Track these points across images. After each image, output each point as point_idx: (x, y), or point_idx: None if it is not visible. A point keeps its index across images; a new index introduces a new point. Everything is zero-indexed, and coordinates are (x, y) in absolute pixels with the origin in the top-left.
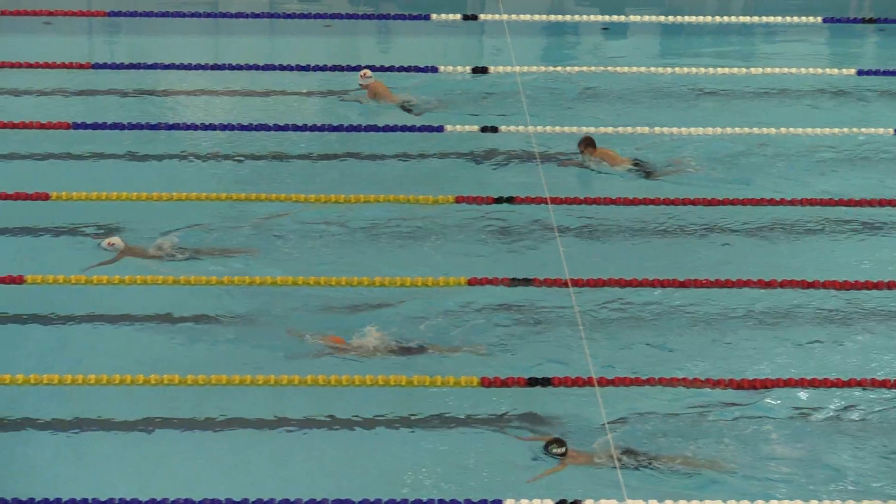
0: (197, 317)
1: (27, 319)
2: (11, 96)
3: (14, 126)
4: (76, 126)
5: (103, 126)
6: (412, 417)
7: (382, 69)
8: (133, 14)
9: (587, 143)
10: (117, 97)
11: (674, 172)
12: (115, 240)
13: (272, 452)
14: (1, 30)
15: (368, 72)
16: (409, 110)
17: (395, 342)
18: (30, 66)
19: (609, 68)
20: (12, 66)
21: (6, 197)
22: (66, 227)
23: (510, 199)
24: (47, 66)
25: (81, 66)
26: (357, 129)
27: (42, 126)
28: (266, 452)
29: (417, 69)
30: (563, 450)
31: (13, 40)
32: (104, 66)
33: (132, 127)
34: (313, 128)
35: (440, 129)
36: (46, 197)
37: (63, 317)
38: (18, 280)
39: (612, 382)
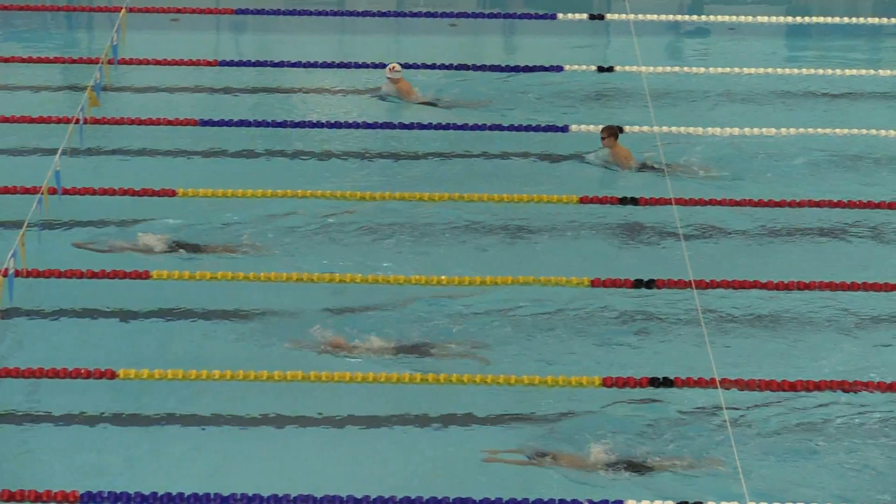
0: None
1: (152, 314)
2: (139, 93)
3: (141, 123)
4: (203, 123)
5: (229, 123)
6: (533, 415)
7: (507, 68)
8: (260, 12)
9: (612, 132)
10: (244, 95)
11: (684, 172)
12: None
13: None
14: (130, 26)
15: (397, 66)
16: (433, 105)
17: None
18: (157, 62)
19: (735, 69)
20: (140, 62)
21: (133, 193)
22: (191, 223)
23: (634, 200)
24: (174, 63)
25: (208, 64)
26: (482, 128)
27: (169, 123)
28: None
29: (542, 68)
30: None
31: (141, 37)
32: (231, 63)
33: (258, 124)
34: (437, 126)
35: (565, 129)
36: (173, 193)
37: (186, 312)
38: (144, 275)
39: (735, 384)
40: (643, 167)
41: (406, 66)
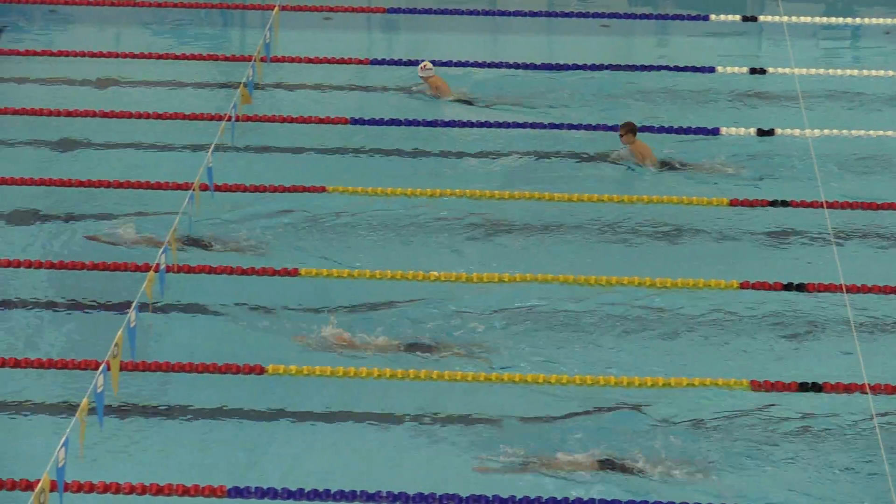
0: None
1: (302, 311)
2: (291, 90)
3: (293, 120)
4: (354, 121)
5: (380, 122)
6: (674, 417)
7: (657, 68)
8: (412, 11)
9: (629, 128)
10: (394, 93)
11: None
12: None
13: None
14: (282, 25)
15: (429, 64)
16: (469, 103)
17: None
18: (309, 61)
19: (891, 72)
20: (292, 60)
21: (284, 189)
22: (341, 220)
23: (785, 203)
24: (326, 61)
25: (360, 62)
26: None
27: (321, 121)
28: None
29: (694, 69)
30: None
31: (294, 35)
32: (382, 62)
33: (409, 123)
34: (587, 126)
35: (716, 131)
36: (323, 189)
37: (335, 308)
38: (293, 273)
39: (884, 390)
40: (664, 165)
41: (556, 66)
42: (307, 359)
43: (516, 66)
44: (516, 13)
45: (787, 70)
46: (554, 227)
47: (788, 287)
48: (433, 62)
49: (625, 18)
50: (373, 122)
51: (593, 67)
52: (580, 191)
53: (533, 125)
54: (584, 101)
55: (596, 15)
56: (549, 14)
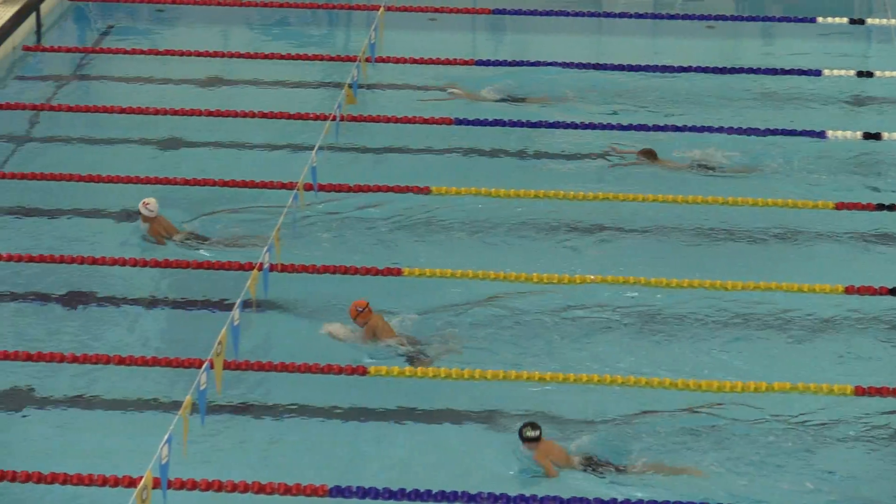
0: None
1: (406, 310)
2: (396, 90)
3: (397, 121)
4: (458, 122)
5: (484, 122)
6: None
7: (763, 72)
8: (517, 12)
9: (647, 154)
10: (499, 94)
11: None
12: (151, 201)
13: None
14: (387, 25)
15: (454, 89)
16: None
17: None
18: (414, 61)
19: None
20: (397, 61)
21: (388, 189)
22: (444, 220)
23: (892, 207)
24: (431, 62)
25: (465, 63)
26: (737, 131)
27: (425, 121)
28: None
29: (801, 72)
30: (537, 433)
31: (399, 36)
32: (487, 62)
33: (513, 124)
34: (692, 128)
35: (822, 134)
36: (427, 190)
37: (440, 307)
38: (396, 272)
39: None
40: (699, 167)
41: (661, 68)
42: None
43: (621, 67)
44: (621, 14)
45: (894, 73)
46: (661, 228)
47: (894, 291)
48: (535, 63)
49: (731, 20)
50: (477, 122)
51: (699, 69)
52: (685, 193)
53: (637, 127)
54: (691, 103)
55: (701, 17)
56: (654, 16)
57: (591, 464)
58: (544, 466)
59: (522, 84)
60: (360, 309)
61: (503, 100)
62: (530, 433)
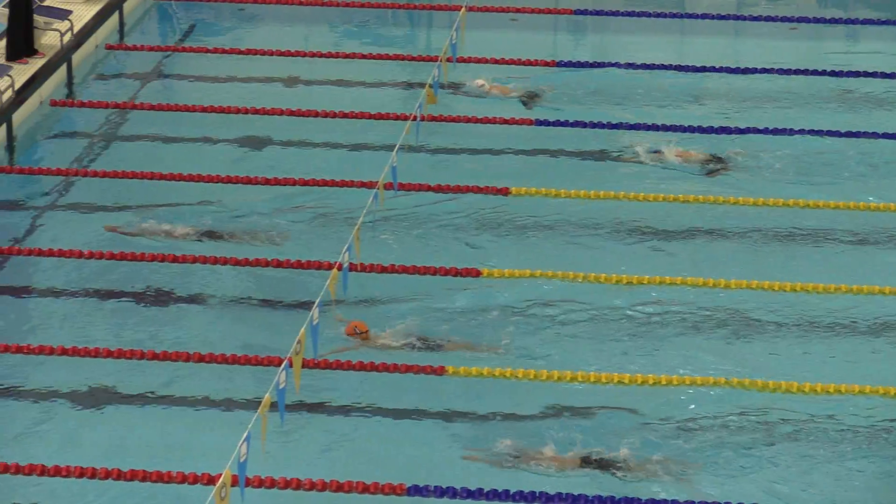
0: None
1: (484, 311)
2: (480, 93)
3: (477, 121)
4: (539, 123)
5: (565, 124)
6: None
7: (846, 75)
8: (598, 13)
9: None
10: (580, 95)
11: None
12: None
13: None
14: (469, 25)
15: (481, 82)
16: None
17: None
18: (495, 61)
19: None
20: (478, 61)
21: (468, 190)
22: (524, 222)
23: None
24: (512, 62)
25: (546, 64)
26: (819, 133)
27: (505, 122)
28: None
29: (884, 75)
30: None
31: (480, 36)
32: (568, 63)
33: (594, 126)
34: (779, 131)
35: None
36: (507, 192)
37: (504, 307)
38: (475, 273)
39: None
40: (709, 162)
41: (744, 70)
42: (487, 361)
43: (703, 69)
44: (704, 16)
45: None
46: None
47: None
48: (617, 64)
49: (814, 22)
50: (557, 123)
51: (780, 72)
52: (774, 196)
53: (719, 130)
54: (774, 104)
55: (784, 18)
56: (737, 17)
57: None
58: None
59: (604, 85)
60: (360, 331)
61: (526, 96)
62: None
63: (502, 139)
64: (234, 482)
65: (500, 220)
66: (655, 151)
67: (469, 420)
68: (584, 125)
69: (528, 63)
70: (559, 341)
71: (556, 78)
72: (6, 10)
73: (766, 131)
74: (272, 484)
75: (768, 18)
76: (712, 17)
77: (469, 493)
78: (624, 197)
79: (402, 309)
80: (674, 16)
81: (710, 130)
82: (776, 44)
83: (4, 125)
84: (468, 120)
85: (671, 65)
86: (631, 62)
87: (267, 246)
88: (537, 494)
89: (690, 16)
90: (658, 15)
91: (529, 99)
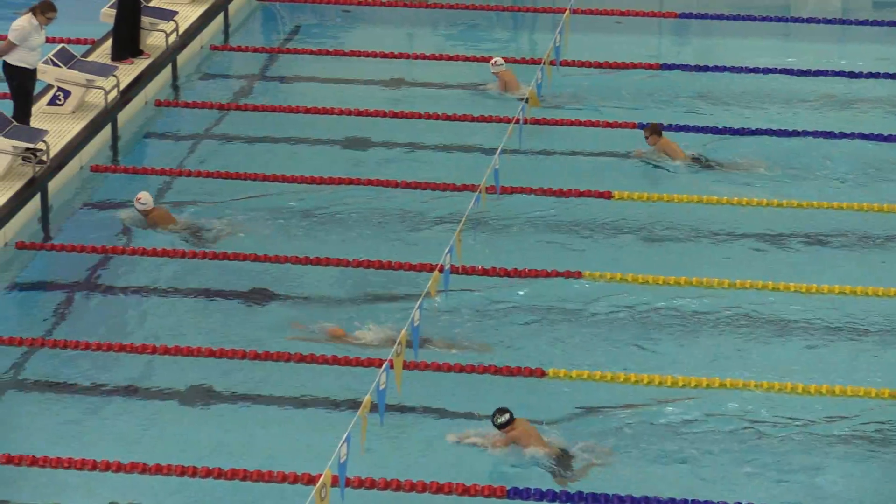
0: None
1: (583, 313)
2: (580, 94)
3: (580, 124)
4: (641, 126)
5: (668, 128)
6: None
7: None
8: (703, 16)
9: (653, 130)
10: (684, 99)
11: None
12: (143, 195)
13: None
14: (573, 28)
15: (500, 59)
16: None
17: None
18: (599, 65)
19: None
20: (581, 64)
21: (570, 194)
22: (628, 226)
23: None
24: (616, 66)
25: (650, 67)
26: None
27: (608, 125)
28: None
29: None
30: (507, 416)
31: (585, 39)
32: (672, 66)
33: (697, 130)
34: (871, 136)
35: None
36: (609, 196)
37: (615, 314)
38: (576, 275)
39: None
40: (695, 160)
41: (850, 74)
42: (589, 362)
43: (808, 72)
44: (809, 20)
45: None
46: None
47: None
48: (718, 68)
49: None
50: (662, 127)
51: (887, 76)
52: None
53: (825, 134)
54: (882, 108)
55: (891, 23)
56: (843, 21)
57: None
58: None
59: (710, 89)
60: (338, 335)
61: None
62: (500, 419)
63: (606, 142)
64: (334, 482)
65: (601, 223)
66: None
67: (573, 421)
68: (687, 129)
69: (632, 66)
70: (662, 343)
71: (659, 81)
72: (113, 11)
73: (871, 137)
74: (372, 485)
75: (875, 23)
76: (818, 21)
77: (568, 497)
78: (726, 202)
79: (505, 312)
80: (779, 19)
81: (814, 134)
82: (882, 48)
83: (110, 125)
84: (571, 123)
85: (776, 68)
86: (735, 65)
87: (367, 246)
88: (636, 498)
89: (796, 20)
90: (763, 18)
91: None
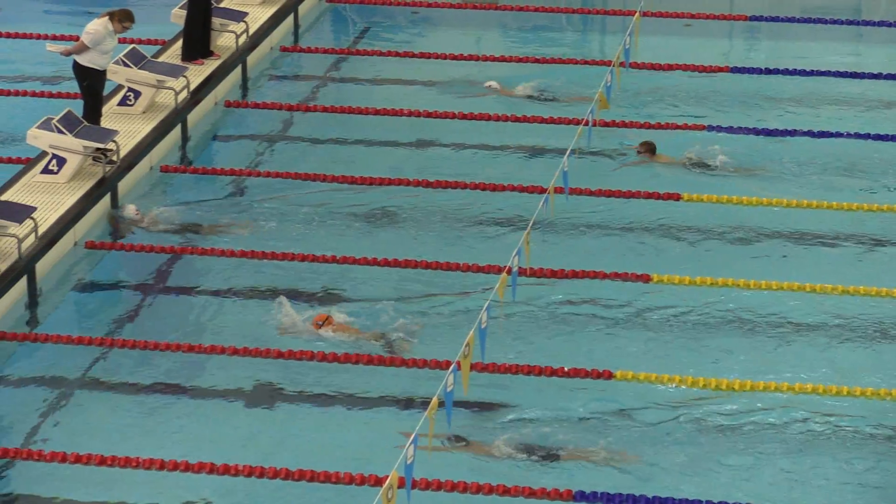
0: None
1: (653, 319)
2: (650, 96)
3: (649, 127)
4: (710, 129)
5: (737, 130)
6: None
7: None
8: (774, 19)
9: (648, 147)
10: (752, 102)
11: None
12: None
13: None
14: (642, 30)
15: (494, 84)
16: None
17: None
18: (668, 67)
19: None
20: (651, 67)
21: (638, 195)
22: (695, 228)
23: None
24: (685, 67)
25: (719, 69)
26: None
27: (677, 127)
28: None
29: None
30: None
31: (653, 41)
32: (742, 70)
33: (758, 133)
34: None
35: None
36: (678, 197)
37: (682, 315)
38: (644, 279)
39: None
40: (691, 163)
41: None
42: (653, 365)
43: (879, 76)
44: (881, 23)
45: None
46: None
47: None
48: (788, 71)
49: None
50: (730, 129)
51: None
52: None
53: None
54: None
55: None
56: None
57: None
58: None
59: (778, 91)
60: (320, 323)
61: (533, 97)
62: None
63: (673, 144)
64: (401, 484)
65: (671, 225)
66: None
67: (636, 425)
68: (756, 132)
69: (702, 69)
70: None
71: (728, 83)
72: (183, 12)
73: None
74: (438, 486)
75: None
76: (889, 25)
77: (634, 500)
78: (797, 205)
79: (571, 313)
80: (850, 23)
81: (887, 138)
82: None
83: (179, 125)
84: (640, 126)
85: (847, 72)
86: (805, 68)
87: (435, 248)
88: (703, 503)
89: (867, 23)
90: (834, 22)
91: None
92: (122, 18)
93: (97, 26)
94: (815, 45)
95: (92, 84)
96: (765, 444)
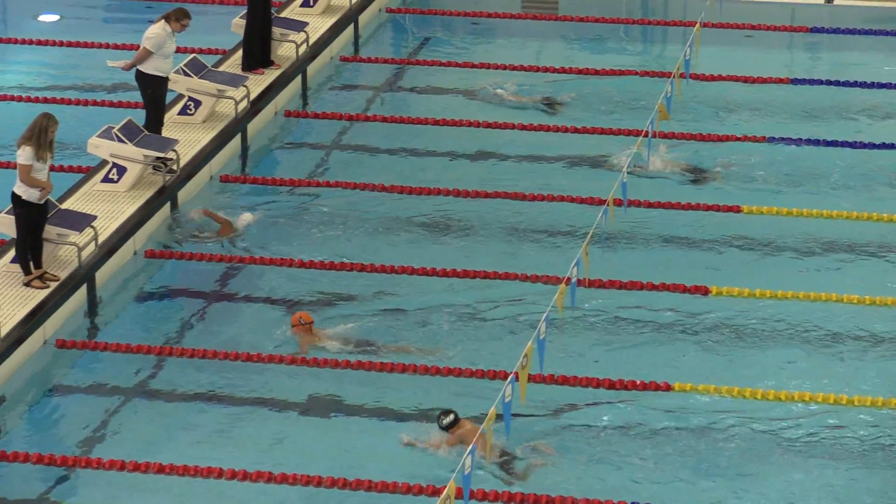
0: None
1: (711, 332)
2: (710, 108)
3: (709, 138)
4: (771, 140)
5: (798, 141)
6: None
7: None
8: (835, 31)
9: None
10: (814, 113)
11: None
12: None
13: None
14: (703, 41)
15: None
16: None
17: None
18: (729, 78)
19: None
20: (712, 78)
21: (697, 207)
22: (754, 240)
23: None
24: (746, 79)
25: (780, 81)
26: None
27: (737, 139)
28: None
29: None
30: (452, 417)
31: (713, 52)
32: (803, 81)
33: (828, 144)
34: None
35: None
36: (738, 210)
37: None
38: (703, 291)
39: None
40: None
41: None
42: (710, 377)
43: None
44: None
45: None
46: None
47: None
48: (850, 83)
49: None
50: (790, 140)
51: None
52: None
53: None
54: None
55: None
56: None
57: None
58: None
59: (840, 102)
60: (305, 322)
61: (539, 104)
62: (445, 420)
63: (736, 155)
64: (458, 494)
65: (731, 238)
66: None
67: (696, 436)
68: (817, 143)
69: (763, 81)
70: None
71: (789, 94)
72: (244, 22)
73: None
74: (496, 497)
75: None
76: None
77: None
78: (856, 217)
79: (629, 326)
80: None
81: None
82: None
83: (239, 135)
84: (701, 138)
85: None
86: (867, 80)
87: (493, 258)
88: None
89: None
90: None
91: (549, 106)
92: (179, 17)
93: (156, 30)
94: (877, 57)
95: (155, 92)
96: (825, 456)
